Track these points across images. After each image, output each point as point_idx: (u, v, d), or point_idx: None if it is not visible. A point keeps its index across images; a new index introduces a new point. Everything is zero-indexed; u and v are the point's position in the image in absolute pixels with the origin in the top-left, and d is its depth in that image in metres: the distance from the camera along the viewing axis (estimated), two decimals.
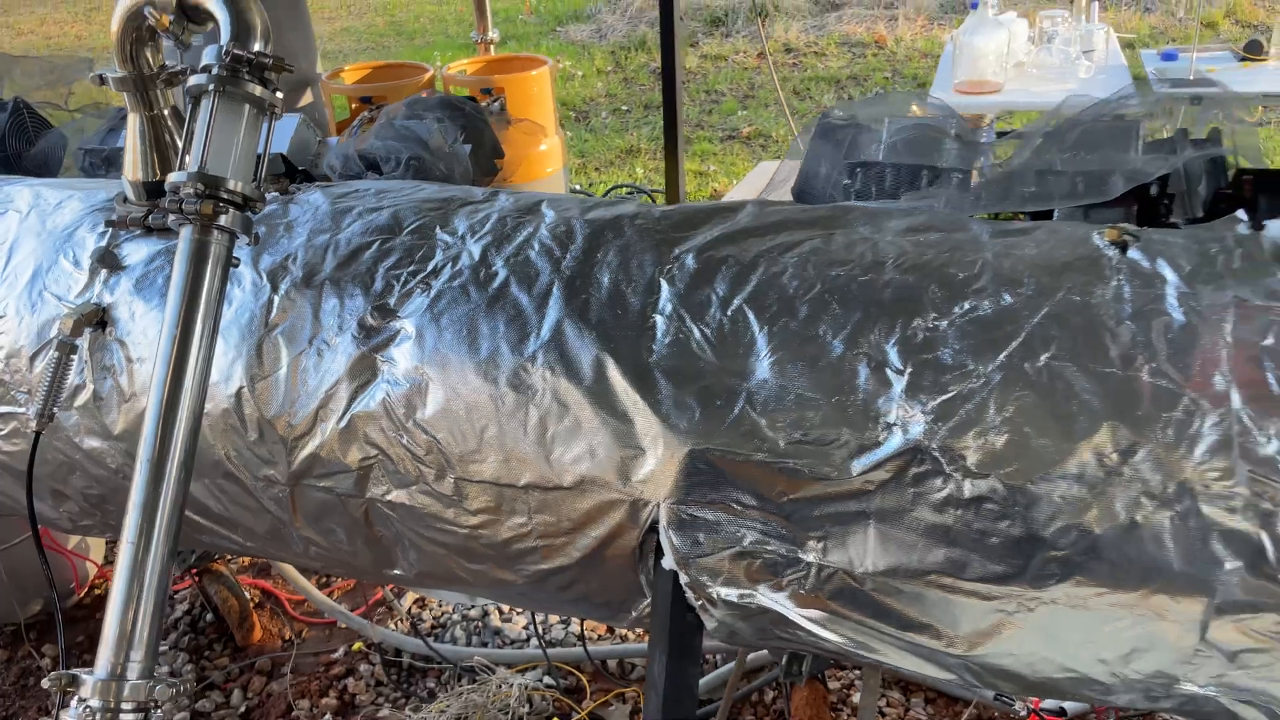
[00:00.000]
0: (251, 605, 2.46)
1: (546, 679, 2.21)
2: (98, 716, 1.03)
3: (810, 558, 1.03)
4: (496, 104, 2.93)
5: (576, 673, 2.23)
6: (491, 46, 3.59)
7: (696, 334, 1.08)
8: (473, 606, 2.51)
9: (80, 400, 1.28)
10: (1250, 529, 0.89)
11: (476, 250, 1.21)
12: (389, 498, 1.18)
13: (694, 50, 8.06)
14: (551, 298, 1.14)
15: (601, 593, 1.20)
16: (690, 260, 1.14)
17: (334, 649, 2.41)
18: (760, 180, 3.80)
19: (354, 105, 3.09)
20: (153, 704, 1.07)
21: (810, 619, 1.07)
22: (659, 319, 1.10)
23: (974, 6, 4.11)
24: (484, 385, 1.12)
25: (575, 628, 2.40)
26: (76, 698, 1.04)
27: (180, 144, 1.35)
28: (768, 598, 1.06)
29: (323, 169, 1.59)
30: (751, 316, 1.07)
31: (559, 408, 1.09)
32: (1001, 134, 1.43)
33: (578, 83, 7.52)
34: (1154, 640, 0.96)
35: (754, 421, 1.03)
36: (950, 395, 0.98)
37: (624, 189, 5.25)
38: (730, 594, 1.07)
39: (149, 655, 1.07)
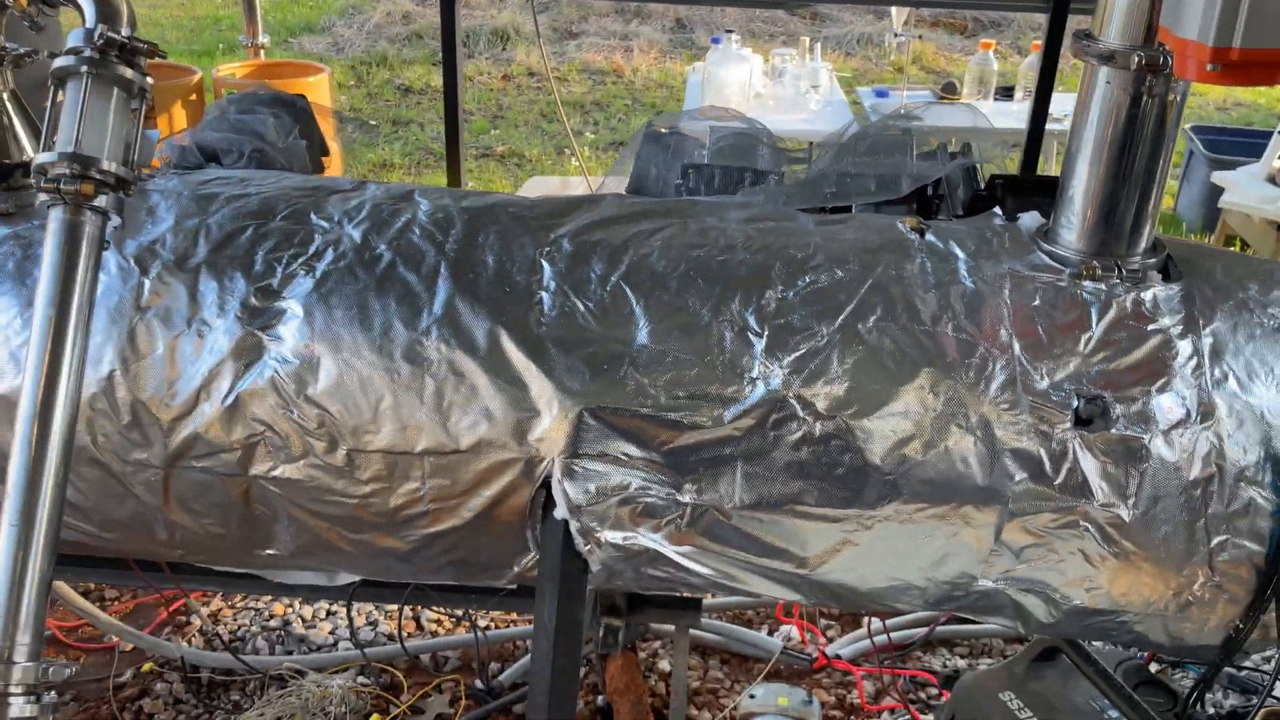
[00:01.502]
0: (44, 640, 2.27)
1: (362, 678, 2.22)
2: None
3: (686, 499, 1.19)
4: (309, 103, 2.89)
5: (392, 670, 2.26)
6: (262, 51, 3.50)
7: (581, 307, 1.21)
8: (271, 617, 2.46)
9: None
10: (1032, 447, 1.15)
11: (357, 235, 1.27)
12: (274, 474, 1.22)
13: (437, 69, 8.09)
14: (440, 277, 1.23)
15: (484, 552, 1.29)
16: (566, 244, 1.27)
17: (120, 673, 2.28)
18: (533, 193, 3.95)
19: None
20: (44, 686, 1.05)
21: (683, 554, 1.22)
22: (545, 295, 1.22)
23: (716, 41, 4.49)
24: (379, 359, 1.19)
25: (386, 627, 2.42)
26: None
27: (21, 129, 1.31)
28: (648, 538, 1.21)
29: (148, 160, 1.56)
30: (629, 291, 1.22)
31: (455, 377, 1.19)
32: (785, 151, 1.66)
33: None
34: (960, 545, 1.20)
35: (638, 381, 1.18)
36: (801, 352, 1.18)
37: None
38: (615, 536, 1.21)
39: (36, 638, 1.06)
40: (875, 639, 2.20)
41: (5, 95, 1.29)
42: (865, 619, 2.32)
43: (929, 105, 3.75)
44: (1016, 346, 1.17)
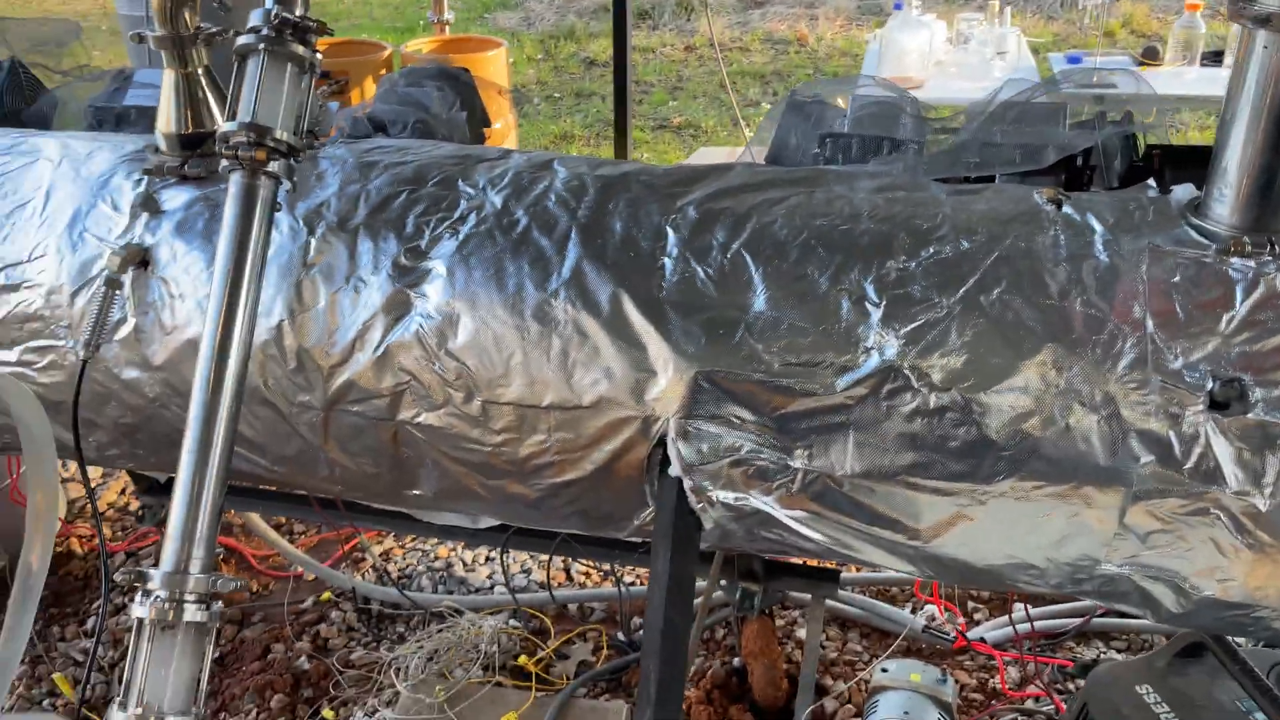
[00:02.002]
0: (218, 559, 2.55)
1: (513, 621, 2.36)
2: (165, 606, 1.14)
3: (797, 464, 1.21)
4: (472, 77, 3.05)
5: (541, 616, 2.39)
6: (446, 27, 3.69)
7: (700, 273, 1.25)
8: (436, 559, 2.64)
9: (121, 334, 1.38)
10: (1161, 429, 1.10)
11: (498, 200, 1.35)
12: (418, 420, 1.32)
13: None
14: (570, 242, 1.30)
15: (607, 504, 1.36)
16: (692, 211, 1.31)
17: (302, 600, 2.51)
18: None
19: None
20: (212, 596, 1.18)
21: (794, 518, 1.25)
22: (667, 261, 1.26)
23: (898, 7, 4.36)
24: (511, 318, 1.27)
25: (538, 575, 2.55)
26: (142, 591, 1.15)
27: (214, 101, 1.47)
28: (759, 500, 1.24)
29: (327, 129, 1.70)
30: (749, 258, 1.25)
31: (579, 337, 1.25)
32: (940, 125, 1.63)
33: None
34: (1081, 526, 1.16)
35: (752, 347, 1.20)
36: (919, 323, 1.17)
37: None
38: (727, 496, 1.24)
39: (208, 553, 1.19)
40: (1019, 625, 2.14)
41: (200, 71, 1.44)
42: (1012, 603, 2.26)
43: (1090, 70, 3.52)
44: (1150, 324, 1.12)
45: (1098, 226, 1.21)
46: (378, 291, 1.31)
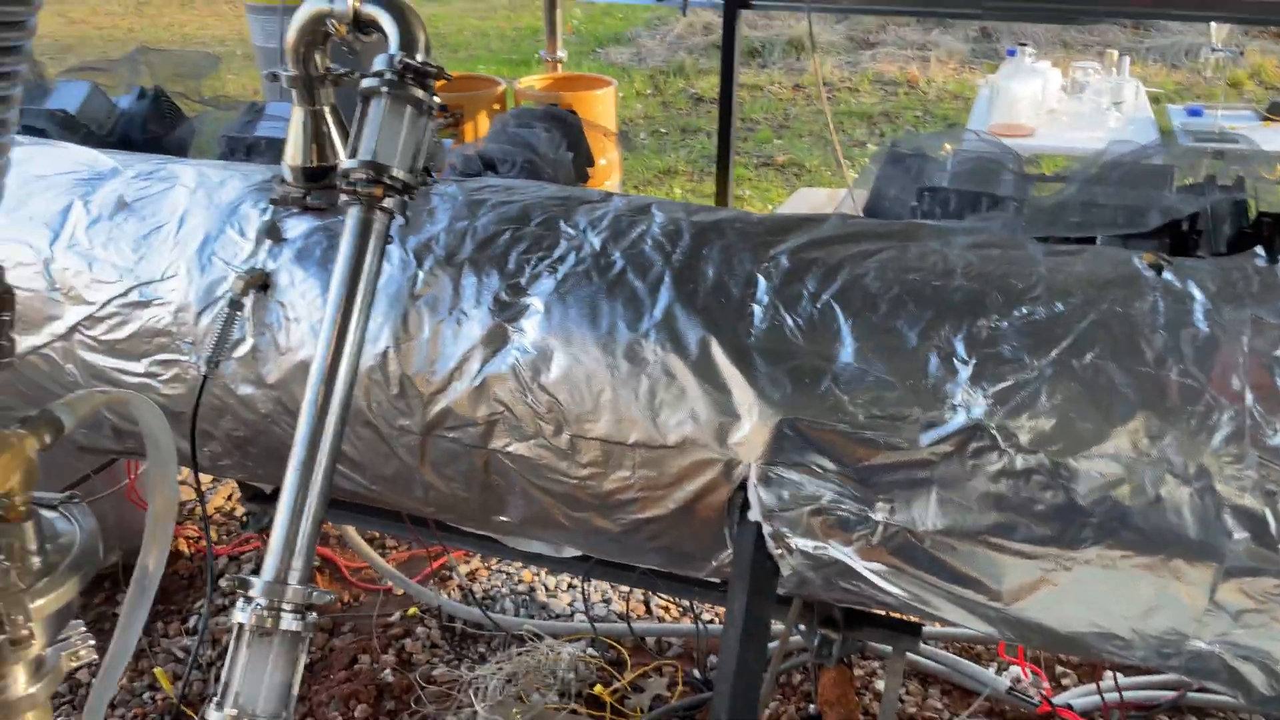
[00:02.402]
0: (314, 570, 2.64)
1: (591, 650, 2.39)
2: (263, 613, 1.20)
3: (878, 517, 1.21)
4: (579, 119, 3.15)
5: (618, 646, 2.41)
6: (559, 65, 3.81)
7: (789, 322, 1.27)
8: (520, 582, 2.69)
9: (240, 352, 1.47)
10: (1257, 506, 1.07)
11: (597, 242, 1.40)
12: (509, 449, 1.37)
13: None
14: (663, 285, 1.33)
15: (686, 543, 1.38)
16: (784, 260, 1.33)
17: (390, 613, 2.59)
18: (800, 205, 4.00)
19: None
20: (308, 607, 1.24)
21: (873, 571, 1.25)
22: (757, 308, 1.29)
23: (1011, 54, 4.32)
24: (602, 356, 1.31)
25: (618, 606, 2.58)
26: (243, 597, 1.21)
27: (337, 137, 1.56)
28: (838, 550, 1.25)
29: (441, 165, 1.78)
30: (838, 310, 1.26)
31: (667, 378, 1.28)
32: (1044, 178, 1.62)
33: (616, 104, 7.76)
34: (1170, 599, 1.14)
35: (838, 397, 1.22)
36: (1008, 383, 1.17)
37: None
38: (806, 545, 1.25)
39: (307, 565, 1.25)
40: (1108, 695, 2.08)
41: (326, 109, 1.54)
42: (1101, 672, 2.19)
43: (1248, 127, 3.41)
44: (1249, 398, 1.09)
45: (1199, 294, 1.19)
46: (478, 324, 1.37)
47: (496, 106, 3.24)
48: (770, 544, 1.27)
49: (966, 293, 1.25)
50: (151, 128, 2.04)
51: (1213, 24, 3.55)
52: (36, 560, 0.88)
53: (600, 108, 3.22)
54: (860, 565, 1.25)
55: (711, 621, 2.50)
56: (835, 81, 8.27)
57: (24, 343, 1.59)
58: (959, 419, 1.17)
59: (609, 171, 3.16)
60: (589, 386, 1.32)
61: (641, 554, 1.45)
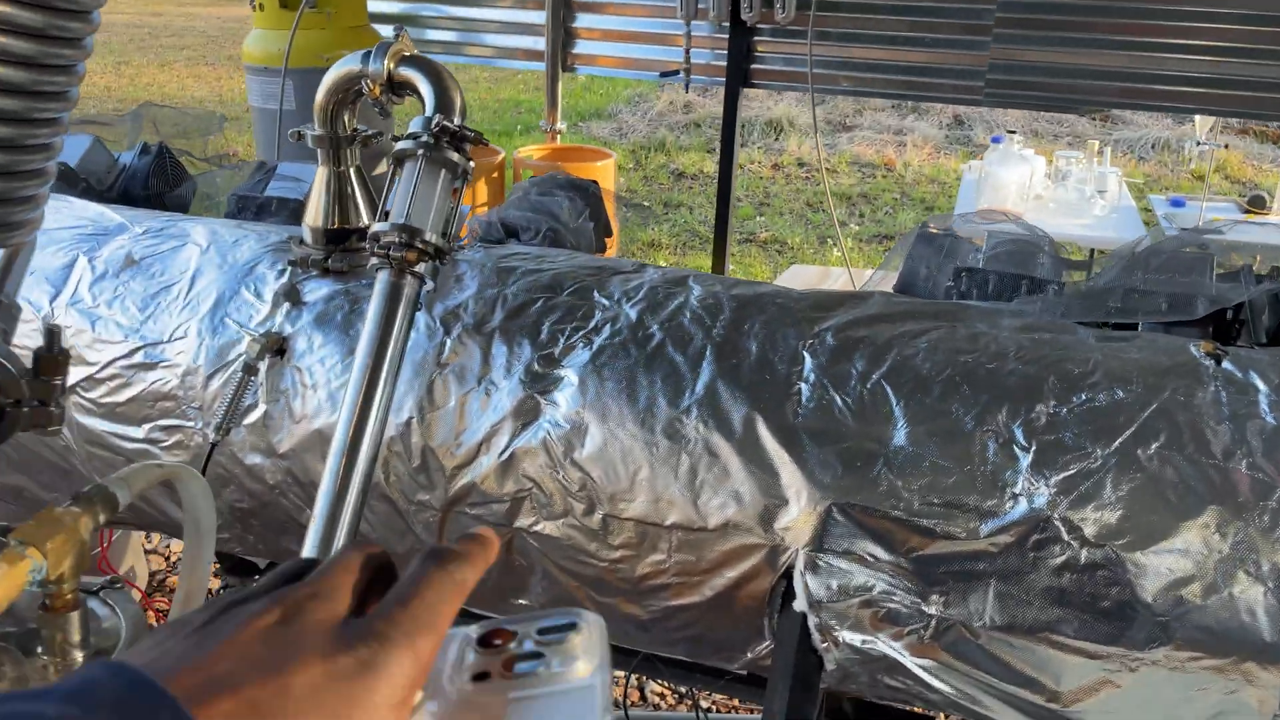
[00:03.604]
0: None
1: None
2: None
3: (932, 610, 1.15)
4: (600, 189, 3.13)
5: None
6: (558, 136, 3.81)
7: (839, 402, 1.22)
8: None
9: (250, 419, 1.39)
10: None
11: (633, 314, 1.35)
12: (536, 528, 1.30)
13: (710, 156, 8.41)
14: (704, 360, 1.28)
15: (720, 632, 1.31)
16: (830, 338, 1.29)
17: None
18: (794, 281, 4.01)
19: None
20: None
21: (924, 667, 1.18)
22: (804, 386, 1.24)
23: (997, 140, 4.40)
24: (640, 432, 1.25)
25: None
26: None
27: (361, 199, 1.51)
28: (887, 645, 1.18)
29: (457, 230, 1.74)
30: (890, 390, 1.22)
31: (709, 457, 1.23)
32: (1075, 263, 1.61)
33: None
34: (1240, 705, 1.08)
35: (891, 482, 1.17)
36: (1071, 473, 1.12)
37: None
38: (854, 638, 1.19)
39: None
40: None
41: (352, 170, 1.49)
42: None
43: (1234, 223, 3.47)
44: None
45: (1262, 386, 1.16)
46: (508, 396, 1.31)
47: (495, 175, 3.22)
48: (816, 637, 1.20)
49: (1022, 376, 1.21)
50: (154, 184, 1.98)
51: (1198, 118, 3.64)
52: (79, 655, 0.78)
53: (601, 180, 3.21)
54: (910, 661, 1.18)
55: (709, 709, 2.40)
56: (813, 163, 8.41)
57: None
58: (1020, 508, 1.13)
59: (611, 242, 3.14)
60: (625, 464, 1.25)
61: (669, 644, 1.37)
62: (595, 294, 1.39)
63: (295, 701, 0.39)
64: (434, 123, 1.31)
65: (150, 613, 2.72)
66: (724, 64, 3.23)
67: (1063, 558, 1.11)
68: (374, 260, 1.28)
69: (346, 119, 1.47)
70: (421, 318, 1.39)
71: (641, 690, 2.49)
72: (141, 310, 1.47)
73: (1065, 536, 1.11)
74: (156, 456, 1.46)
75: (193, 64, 12.96)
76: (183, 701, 0.36)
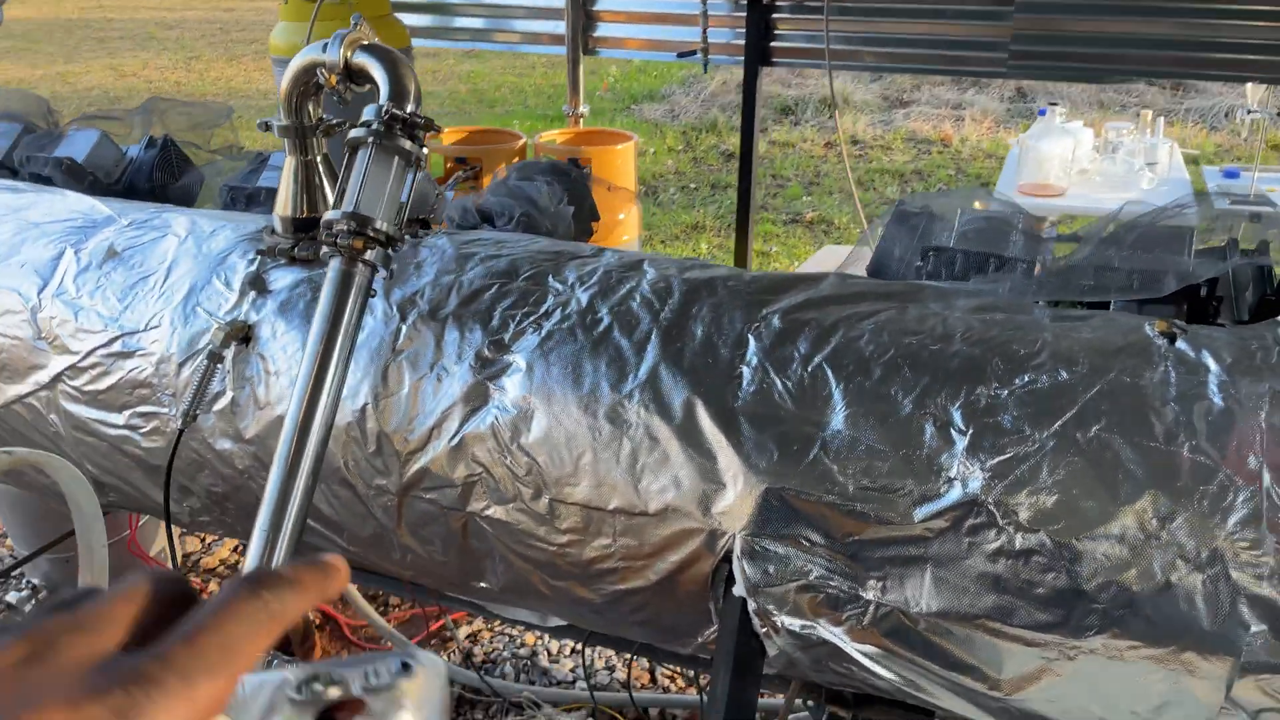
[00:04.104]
0: (314, 625, 2.59)
1: (591, 719, 2.30)
2: None
3: (870, 595, 1.14)
4: (583, 172, 3.13)
5: (619, 717, 2.32)
6: (581, 120, 3.81)
7: (779, 385, 1.21)
8: (521, 645, 2.61)
9: (219, 405, 1.43)
10: (1275, 595, 0.98)
11: (584, 298, 1.35)
12: (487, 513, 1.31)
13: (763, 135, 8.30)
14: (650, 344, 1.28)
15: (671, 616, 1.31)
16: (776, 320, 1.27)
17: None
18: (824, 263, 3.95)
19: (449, 165, 3.30)
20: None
21: (865, 654, 1.17)
22: (745, 370, 1.23)
23: (1042, 114, 4.26)
24: (584, 417, 1.26)
25: (620, 674, 2.49)
26: None
27: (328, 188, 1.53)
28: (827, 630, 1.17)
29: (441, 218, 1.75)
30: (830, 373, 1.20)
31: (650, 441, 1.22)
32: (1063, 236, 1.55)
33: (648, 159, 7.80)
34: (1183, 695, 1.05)
35: (827, 466, 1.15)
36: (1007, 456, 1.09)
37: None
38: (793, 624, 1.18)
39: None
40: None
41: (318, 159, 1.51)
42: None
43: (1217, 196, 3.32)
44: (1267, 478, 1.01)
45: (1213, 365, 1.11)
46: (459, 381, 1.32)
47: (516, 160, 3.24)
48: (756, 622, 1.20)
49: (965, 358, 1.18)
50: (158, 176, 2.03)
51: (1249, 85, 3.48)
52: None
53: (620, 162, 3.21)
54: (851, 647, 1.17)
55: None
56: (868, 139, 8.26)
57: (9, 391, 1.57)
58: (955, 493, 1.10)
59: (626, 226, 3.13)
60: (569, 449, 1.26)
61: (626, 626, 1.38)
62: (550, 279, 1.40)
63: None
64: (384, 110, 1.32)
65: None
66: (743, 43, 3.19)
67: (997, 543, 1.08)
68: (325, 249, 1.30)
69: (311, 108, 1.49)
70: (379, 304, 1.41)
71: (652, 673, 2.50)
72: (120, 300, 1.52)
73: (1000, 521, 1.08)
74: (136, 442, 1.51)
75: (260, 57, 13.25)
76: None
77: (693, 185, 7.17)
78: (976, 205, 1.67)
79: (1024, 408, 1.12)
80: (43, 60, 12.74)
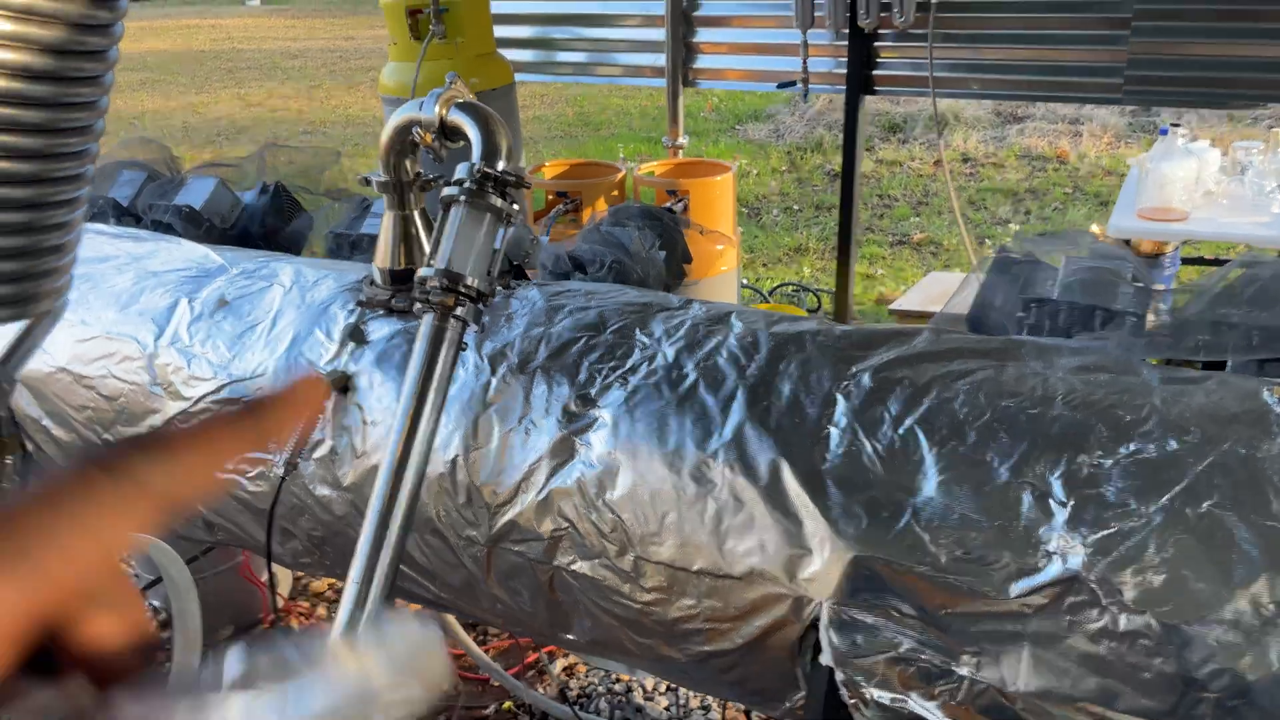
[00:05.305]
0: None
1: None
2: None
3: (964, 671, 1.09)
4: (680, 205, 3.14)
5: None
6: (680, 151, 3.82)
7: (868, 448, 1.18)
8: (617, 681, 2.61)
9: (319, 453, 1.48)
10: None
11: (671, 353, 1.35)
12: (573, 567, 1.32)
13: (869, 154, 8.19)
14: (735, 401, 1.26)
15: (758, 679, 1.29)
16: (866, 379, 1.24)
17: (485, 705, 2.55)
18: (930, 289, 3.85)
19: (550, 198, 3.35)
20: None
21: None
22: (834, 430, 1.20)
23: (1163, 133, 4.08)
24: (669, 475, 1.25)
25: (715, 715, 2.46)
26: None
27: (425, 240, 1.57)
28: (919, 704, 1.13)
29: (535, 265, 1.78)
30: (922, 436, 1.16)
31: (735, 503, 1.21)
32: (1186, 260, 1.47)
33: (751, 180, 7.77)
34: None
35: (918, 536, 1.11)
36: (1111, 531, 1.04)
37: (790, 287, 5.37)
38: (883, 696, 1.14)
39: None
40: None
41: (415, 213, 1.55)
42: None
43: None
44: None
45: None
46: (546, 435, 1.33)
47: (615, 193, 3.27)
48: (844, 693, 1.16)
49: (1067, 423, 1.13)
50: (270, 221, 2.12)
51: None
52: None
53: (718, 194, 3.20)
54: None
55: None
56: (979, 156, 8.05)
57: (126, 434, 1.65)
58: (1054, 568, 1.05)
59: (723, 259, 3.12)
60: (654, 507, 1.25)
61: (714, 686, 1.36)
62: (637, 332, 1.39)
63: None
64: (476, 169, 1.35)
65: (291, 616, 2.91)
66: (844, 72, 3.15)
67: (1100, 623, 1.03)
68: (417, 305, 1.33)
69: (408, 165, 1.53)
70: (470, 356, 1.43)
71: (748, 715, 2.47)
72: (229, 349, 1.59)
73: (1103, 600, 1.03)
74: (243, 486, 1.57)
75: (377, 86, 13.75)
76: None
77: (796, 206, 7.11)
78: (1090, 235, 1.60)
79: (1130, 479, 1.06)
80: (176, 91, 13.49)
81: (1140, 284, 1.40)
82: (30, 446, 1.77)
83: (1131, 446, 1.08)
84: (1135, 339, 1.30)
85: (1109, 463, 1.08)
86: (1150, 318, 1.37)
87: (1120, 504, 1.05)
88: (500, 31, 3.42)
